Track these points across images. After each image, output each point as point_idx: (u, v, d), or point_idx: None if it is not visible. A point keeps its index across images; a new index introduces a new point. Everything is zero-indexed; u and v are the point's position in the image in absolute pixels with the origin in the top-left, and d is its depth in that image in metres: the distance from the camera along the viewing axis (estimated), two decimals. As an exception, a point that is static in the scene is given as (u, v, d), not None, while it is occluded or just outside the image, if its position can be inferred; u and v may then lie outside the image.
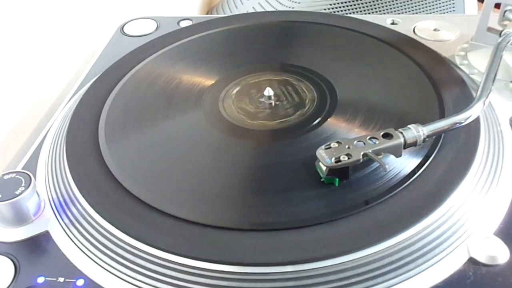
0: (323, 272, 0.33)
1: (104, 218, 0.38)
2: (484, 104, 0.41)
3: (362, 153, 0.37)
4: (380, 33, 0.57)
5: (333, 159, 0.37)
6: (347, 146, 0.38)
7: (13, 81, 0.54)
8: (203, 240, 0.35)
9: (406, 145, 0.38)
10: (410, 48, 0.53)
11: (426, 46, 0.54)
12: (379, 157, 0.37)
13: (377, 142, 0.38)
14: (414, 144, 0.38)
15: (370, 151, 0.37)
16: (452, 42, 0.57)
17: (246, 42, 0.58)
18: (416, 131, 0.38)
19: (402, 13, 0.83)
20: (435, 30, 0.60)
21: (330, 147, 0.38)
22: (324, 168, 0.38)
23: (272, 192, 0.39)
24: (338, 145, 0.38)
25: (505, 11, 0.51)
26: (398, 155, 0.38)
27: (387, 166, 0.37)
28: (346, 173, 0.38)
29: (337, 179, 0.38)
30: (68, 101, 0.54)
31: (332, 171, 0.37)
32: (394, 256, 0.34)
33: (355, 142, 0.38)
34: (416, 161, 0.40)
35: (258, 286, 0.34)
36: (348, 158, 0.37)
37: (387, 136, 0.38)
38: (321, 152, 0.38)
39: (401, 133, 0.38)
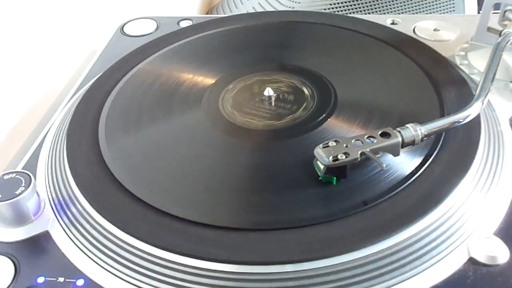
0: (323, 272, 0.33)
1: (104, 218, 0.38)
2: (482, 103, 0.41)
3: (359, 152, 0.37)
4: (380, 33, 0.57)
5: (330, 158, 0.37)
6: (344, 145, 0.38)
7: (13, 81, 0.54)
8: (203, 240, 0.35)
9: (404, 144, 0.38)
10: (410, 48, 0.53)
11: (426, 46, 0.54)
12: (377, 156, 0.37)
13: (375, 141, 0.38)
14: (412, 143, 0.38)
15: (368, 150, 0.37)
16: (452, 42, 0.57)
17: (246, 42, 0.58)
18: (414, 130, 0.38)
19: (402, 13, 0.83)
20: (435, 30, 0.59)
21: (328, 146, 0.38)
22: (321, 166, 0.38)
23: (272, 191, 0.39)
24: (336, 143, 0.38)
25: (505, 11, 0.51)
26: (396, 154, 0.38)
27: (384, 165, 0.37)
28: (344, 172, 0.38)
29: (334, 178, 0.38)
30: (68, 101, 0.54)
31: (329, 169, 0.37)
32: (394, 256, 0.34)
33: (353, 141, 0.38)
34: (416, 161, 0.39)
35: (258, 286, 0.34)
36: (346, 157, 0.37)
37: (385, 135, 0.38)
38: (318, 151, 0.38)
39: (399, 132, 0.38)
